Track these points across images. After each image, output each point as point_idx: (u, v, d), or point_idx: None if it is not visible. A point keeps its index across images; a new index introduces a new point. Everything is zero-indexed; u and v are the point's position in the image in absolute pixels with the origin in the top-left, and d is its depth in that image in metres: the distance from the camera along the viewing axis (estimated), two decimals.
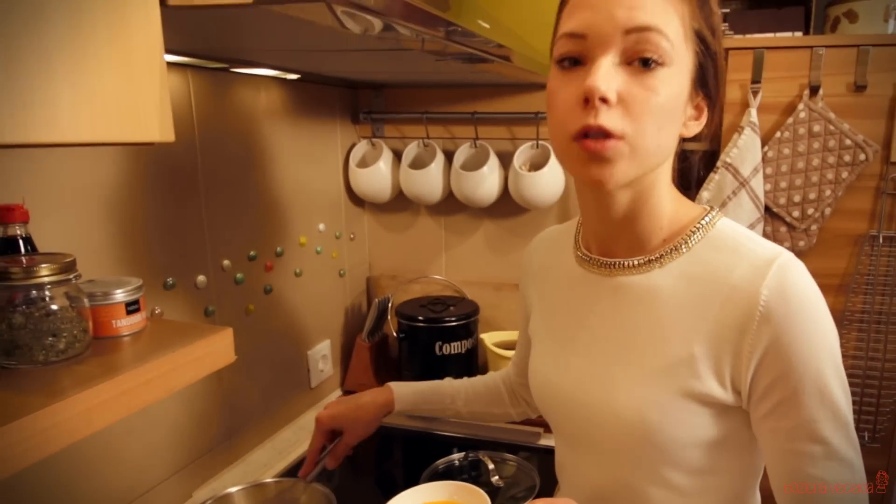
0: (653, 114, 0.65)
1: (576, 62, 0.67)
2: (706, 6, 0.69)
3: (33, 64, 0.46)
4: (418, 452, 1.52)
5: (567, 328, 0.83)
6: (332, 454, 1.09)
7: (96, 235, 1.02)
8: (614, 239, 0.77)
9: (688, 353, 0.71)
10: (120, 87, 0.53)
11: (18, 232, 0.82)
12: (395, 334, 1.69)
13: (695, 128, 0.73)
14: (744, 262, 0.70)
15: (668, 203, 0.75)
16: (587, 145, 0.65)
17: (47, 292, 0.71)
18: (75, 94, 0.49)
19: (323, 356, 1.68)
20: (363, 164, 1.71)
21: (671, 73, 0.65)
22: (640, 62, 0.64)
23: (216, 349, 0.83)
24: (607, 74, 0.63)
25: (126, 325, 0.82)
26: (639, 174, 0.69)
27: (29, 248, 0.83)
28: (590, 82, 0.63)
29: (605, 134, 0.64)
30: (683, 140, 0.74)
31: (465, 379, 1.18)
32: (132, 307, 0.82)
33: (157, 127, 0.57)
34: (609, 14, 0.64)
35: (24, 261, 0.73)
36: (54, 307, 0.72)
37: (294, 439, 1.53)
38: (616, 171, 0.66)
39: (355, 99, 1.75)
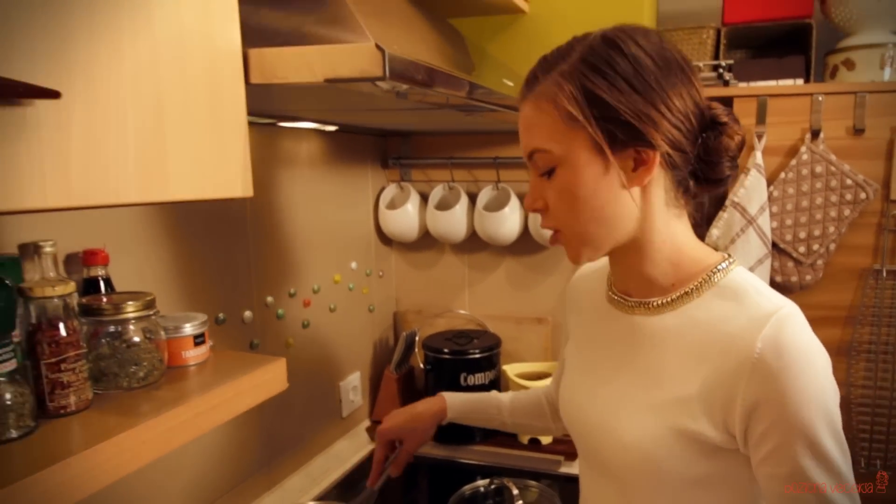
0: (561, 205, 0.78)
1: None
2: (594, 89, 0.73)
3: (151, 133, 0.57)
4: (443, 481, 1.59)
5: (593, 359, 0.90)
6: (395, 463, 1.15)
7: (160, 275, 1.13)
8: (628, 281, 0.85)
9: (685, 394, 0.76)
10: (213, 152, 0.64)
11: (100, 273, 0.94)
12: (421, 366, 1.78)
13: (644, 175, 0.75)
14: (745, 312, 0.74)
15: (667, 251, 0.80)
16: (550, 239, 0.83)
17: (131, 326, 0.82)
18: (181, 160, 0.60)
19: (353, 387, 1.77)
20: (392, 206, 1.82)
21: (563, 168, 0.76)
22: (544, 171, 0.78)
23: (271, 377, 0.93)
24: (534, 191, 0.80)
25: (193, 355, 0.92)
26: (605, 246, 0.80)
27: (109, 287, 0.95)
28: (525, 202, 0.82)
29: (554, 230, 0.81)
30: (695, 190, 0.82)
31: (511, 392, 1.24)
32: (199, 339, 0.92)
33: (240, 184, 0.68)
34: (522, 146, 0.80)
35: (111, 299, 0.83)
36: (136, 339, 0.82)
37: (327, 466, 1.61)
38: (574, 253, 0.81)
39: (385, 146, 1.88)
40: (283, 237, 1.45)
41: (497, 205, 1.75)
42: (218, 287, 1.26)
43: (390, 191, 1.85)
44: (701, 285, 0.79)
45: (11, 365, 0.67)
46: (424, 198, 1.83)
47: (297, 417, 1.55)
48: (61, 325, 0.72)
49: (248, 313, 1.34)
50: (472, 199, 1.78)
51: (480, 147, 1.80)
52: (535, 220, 1.69)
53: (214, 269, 1.25)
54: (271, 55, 0.67)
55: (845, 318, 1.64)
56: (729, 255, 0.82)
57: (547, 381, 1.64)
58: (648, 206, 0.78)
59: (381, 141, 1.86)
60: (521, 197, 1.75)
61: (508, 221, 1.71)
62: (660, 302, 0.82)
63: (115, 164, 0.53)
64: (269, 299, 1.40)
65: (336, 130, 1.60)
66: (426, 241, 1.89)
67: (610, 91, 0.73)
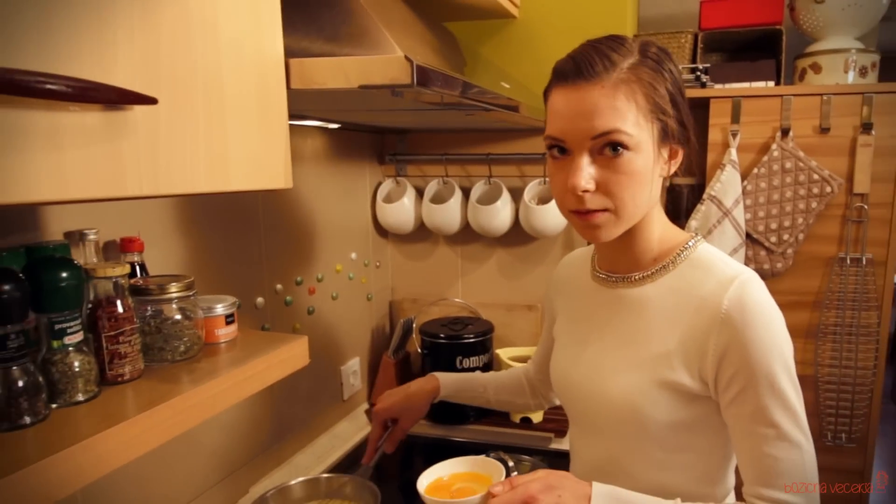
0: (628, 188, 0.84)
1: (562, 151, 0.87)
2: (656, 91, 0.84)
3: (217, 132, 0.66)
4: (439, 459, 1.68)
5: (581, 330, 1.02)
6: (389, 440, 1.26)
7: (183, 263, 1.21)
8: (615, 260, 0.98)
9: (665, 350, 0.89)
10: (262, 148, 0.73)
11: (136, 259, 1.02)
12: (419, 350, 1.88)
13: (673, 167, 0.91)
14: (713, 278, 0.87)
15: (657, 232, 0.93)
16: (582, 218, 0.87)
17: (174, 305, 0.91)
18: (238, 155, 0.70)
19: (354, 372, 1.86)
20: (389, 199, 1.92)
21: (634, 153, 0.83)
22: (610, 150, 0.82)
23: (296, 353, 1.03)
24: (584, 171, 0.83)
25: (224, 333, 1.01)
26: (626, 228, 0.89)
27: (143, 272, 1.03)
28: (572, 181, 0.83)
29: (592, 211, 0.85)
30: (672, 176, 0.94)
31: (493, 372, 1.35)
32: (230, 319, 1.01)
33: (282, 176, 0.77)
34: (577, 126, 0.83)
35: (156, 280, 0.92)
36: (178, 317, 0.91)
37: (330, 445, 1.70)
38: (603, 233, 0.88)
39: (382, 143, 1.97)
40: (291, 229, 1.54)
41: (489, 198, 1.85)
42: (234, 275, 1.35)
43: (387, 185, 1.95)
44: (675, 259, 0.93)
45: (79, 336, 0.75)
46: (420, 192, 1.93)
47: (303, 399, 1.64)
48: (118, 303, 0.81)
49: (260, 299, 1.42)
50: (466, 193, 1.88)
51: (473, 144, 1.90)
52: (526, 212, 1.80)
53: (231, 258, 1.34)
54: (310, 64, 0.76)
55: (813, 303, 1.77)
56: (696, 234, 0.96)
57: None
58: (656, 196, 0.91)
59: (378, 138, 1.96)
60: (511, 191, 1.85)
61: (500, 214, 1.82)
62: (641, 275, 0.94)
63: (191, 159, 0.62)
64: (279, 287, 1.49)
65: (338, 128, 1.69)
66: (421, 232, 1.98)
67: (676, 93, 0.86)
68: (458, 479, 0.96)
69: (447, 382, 1.29)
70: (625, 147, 0.82)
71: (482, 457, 1.00)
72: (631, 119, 0.83)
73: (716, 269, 0.89)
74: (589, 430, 1.01)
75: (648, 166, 0.85)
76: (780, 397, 0.84)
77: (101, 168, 0.53)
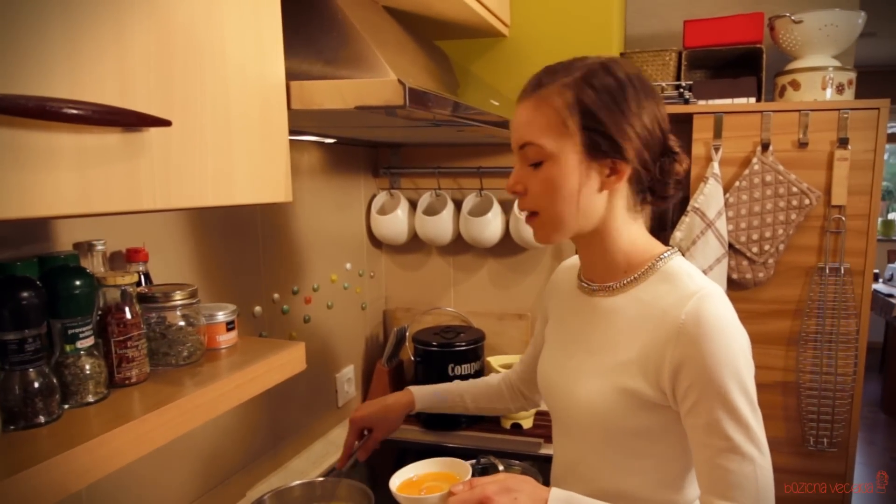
0: (545, 195, 0.91)
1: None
2: (581, 103, 0.88)
3: (223, 150, 0.72)
4: None
5: (563, 335, 1.07)
6: (363, 448, 1.30)
7: (185, 272, 1.26)
8: (591, 269, 1.02)
9: (626, 358, 0.93)
10: (264, 164, 0.79)
11: (141, 269, 1.07)
12: (412, 358, 1.92)
13: (615, 182, 0.91)
14: (675, 292, 0.90)
15: (623, 244, 0.96)
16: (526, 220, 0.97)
17: (178, 312, 0.96)
18: (243, 171, 0.75)
19: (348, 379, 1.91)
20: (382, 211, 1.97)
21: (551, 163, 0.90)
22: (533, 161, 0.92)
23: (293, 358, 1.07)
24: (516, 175, 0.94)
25: (225, 339, 1.06)
26: (572, 232, 0.95)
27: (148, 281, 1.08)
28: (507, 183, 0.95)
29: (528, 213, 0.96)
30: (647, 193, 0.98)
31: (470, 381, 1.40)
32: (230, 326, 1.06)
33: (283, 191, 0.82)
34: (512, 137, 0.95)
35: (161, 289, 0.97)
36: (182, 324, 0.96)
37: (324, 451, 1.74)
38: (543, 235, 0.96)
39: (376, 156, 2.03)
40: (288, 240, 1.59)
41: (480, 210, 1.91)
42: (233, 283, 1.40)
43: (381, 198, 2.00)
44: (646, 272, 0.96)
45: (91, 341, 0.80)
46: (413, 204, 1.98)
47: (298, 406, 1.68)
48: (127, 309, 0.86)
49: (257, 308, 1.47)
50: (458, 205, 1.94)
51: (465, 158, 1.96)
52: (517, 223, 1.85)
53: (230, 268, 1.39)
54: (309, 86, 0.81)
55: (794, 311, 1.83)
56: (672, 247, 0.99)
57: None
58: (612, 208, 0.94)
59: (372, 152, 2.01)
60: (503, 203, 1.91)
61: (491, 225, 1.87)
62: (615, 286, 0.99)
63: (200, 175, 0.67)
64: (276, 296, 1.54)
65: (334, 143, 1.74)
66: (414, 243, 2.04)
67: (601, 107, 0.88)
68: (428, 478, 1.02)
69: (421, 396, 1.34)
70: (541, 157, 0.91)
71: (452, 458, 1.05)
72: (541, 131, 0.90)
73: (680, 282, 0.92)
74: (564, 431, 1.06)
75: (567, 177, 0.90)
76: (733, 412, 0.85)
77: (120, 184, 0.58)
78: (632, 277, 0.97)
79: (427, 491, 0.98)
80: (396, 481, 1.00)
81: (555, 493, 0.88)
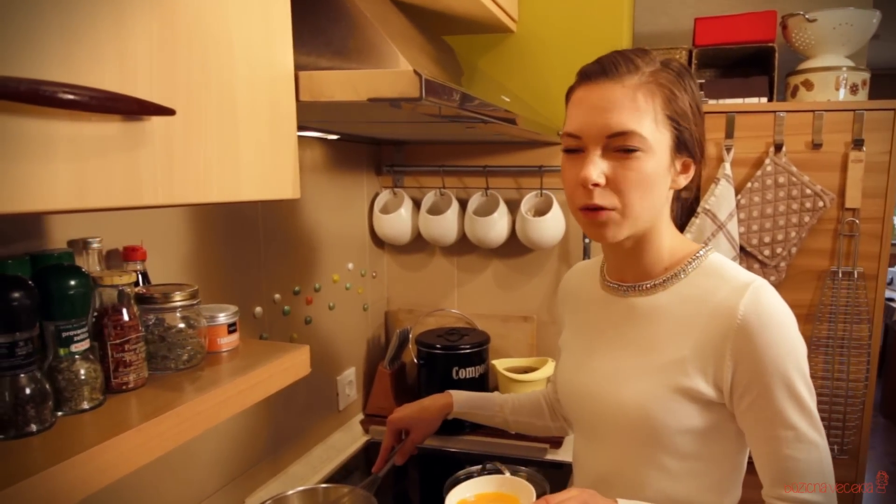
0: (637, 188, 0.86)
1: (576, 150, 0.90)
2: (675, 98, 0.88)
3: (229, 144, 0.67)
4: (435, 470, 1.69)
5: (590, 339, 1.03)
6: (400, 451, 1.26)
7: (184, 271, 1.22)
8: (625, 269, 0.99)
9: (680, 356, 0.90)
10: (272, 159, 0.74)
11: (139, 268, 1.02)
12: (415, 361, 1.88)
13: (683, 181, 0.93)
14: (727, 285, 0.89)
15: (667, 241, 0.95)
16: (588, 215, 0.90)
17: (178, 314, 0.91)
18: (249, 166, 0.70)
19: (349, 382, 1.86)
20: (385, 210, 1.93)
21: (647, 154, 0.86)
22: (623, 150, 0.86)
23: (297, 362, 1.03)
24: (596, 165, 0.86)
25: (226, 342, 1.01)
26: (633, 231, 0.90)
27: (146, 281, 1.03)
28: (583, 173, 0.86)
29: (600, 208, 0.87)
30: (678, 190, 0.95)
31: (512, 394, 1.35)
32: (231, 328, 1.02)
33: (290, 187, 0.78)
34: (595, 122, 0.86)
35: (160, 289, 0.92)
36: (182, 326, 0.92)
37: (325, 456, 1.70)
38: (609, 232, 0.90)
39: (379, 154, 1.98)
40: (290, 239, 1.55)
41: (486, 210, 1.87)
42: (233, 284, 1.35)
43: (384, 196, 1.96)
44: (686, 267, 0.94)
45: (86, 344, 0.76)
46: (417, 203, 1.94)
47: (299, 409, 1.64)
48: (124, 311, 0.81)
49: (258, 309, 1.43)
50: (463, 204, 1.90)
51: (470, 156, 1.92)
52: (523, 223, 1.81)
53: (230, 267, 1.34)
54: (319, 77, 0.77)
55: (806, 316, 1.79)
56: (706, 244, 0.97)
57: (533, 375, 1.76)
58: (665, 205, 0.93)
59: (376, 149, 1.97)
60: (508, 203, 1.87)
61: (497, 226, 1.83)
62: (652, 284, 0.96)
63: (204, 169, 0.63)
64: (277, 296, 1.49)
65: (337, 139, 1.70)
66: (417, 243, 1.99)
67: (691, 105, 0.90)
68: (484, 499, 0.96)
69: (460, 400, 1.29)
70: (638, 148, 0.85)
71: (512, 478, 1.00)
72: (647, 121, 0.86)
73: (728, 276, 0.91)
74: (595, 439, 1.01)
75: (659, 171, 0.88)
76: (797, 400, 0.86)
77: (119, 177, 0.54)
78: (671, 275, 0.95)
79: None
80: (451, 501, 0.95)
81: (622, 502, 0.87)
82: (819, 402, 1.78)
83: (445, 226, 1.87)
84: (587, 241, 1.86)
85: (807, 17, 1.73)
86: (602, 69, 0.88)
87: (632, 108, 0.85)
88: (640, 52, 0.90)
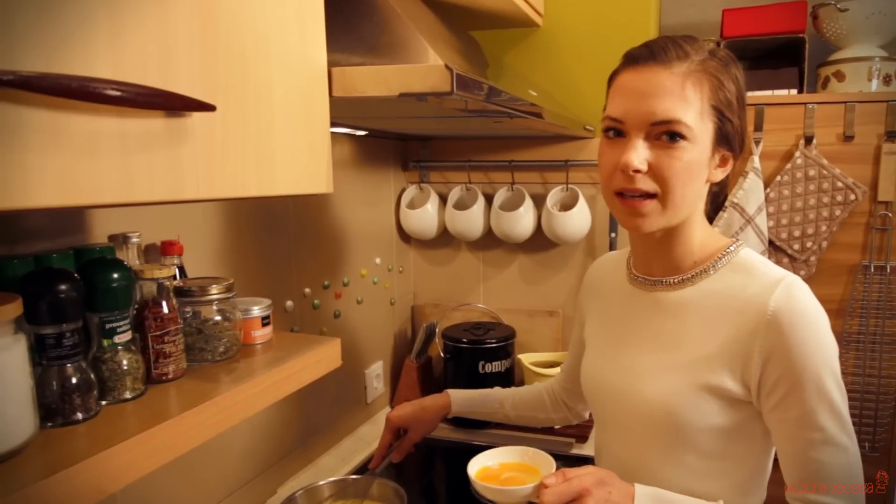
0: (679, 175, 0.84)
1: (618, 133, 0.88)
2: (721, 88, 0.86)
3: (266, 139, 0.69)
4: (459, 462, 1.69)
5: (616, 332, 1.03)
6: (398, 449, 1.28)
7: (218, 266, 1.24)
8: (653, 262, 0.98)
9: (707, 353, 0.89)
10: (306, 154, 0.76)
11: (176, 262, 1.05)
12: (441, 355, 1.89)
13: (721, 174, 0.92)
14: (756, 281, 0.88)
15: (698, 235, 0.94)
16: (625, 202, 0.88)
17: (215, 307, 0.93)
18: (285, 160, 0.72)
19: (377, 375, 1.88)
20: (412, 205, 1.94)
21: (691, 144, 0.84)
22: (667, 137, 0.84)
23: (329, 355, 1.05)
24: (638, 151, 0.84)
25: (260, 335, 1.03)
26: (669, 223, 0.89)
27: (183, 274, 1.06)
28: (625, 158, 0.85)
29: (640, 194, 0.86)
30: (713, 184, 0.94)
31: (512, 388, 1.36)
32: (265, 321, 1.04)
33: (324, 181, 0.79)
34: (640, 108, 0.85)
35: (197, 282, 0.95)
36: (218, 318, 0.94)
37: (354, 448, 1.72)
38: (646, 222, 0.88)
39: (406, 150, 2.00)
40: (319, 233, 1.57)
41: (512, 205, 1.87)
42: (265, 278, 1.38)
43: (410, 192, 1.97)
44: (716, 263, 0.92)
45: (128, 335, 0.78)
46: (443, 198, 1.95)
47: (329, 402, 1.66)
48: (164, 303, 0.83)
49: (289, 302, 1.45)
50: (489, 199, 1.90)
51: (496, 151, 1.92)
52: (549, 218, 1.81)
53: (262, 261, 1.37)
54: (351, 72, 0.78)
55: (836, 311, 1.77)
56: (737, 239, 0.96)
57: (558, 369, 1.76)
58: (701, 198, 0.92)
59: (402, 145, 1.98)
60: (534, 197, 1.87)
61: (523, 220, 1.83)
62: (679, 279, 0.95)
63: (242, 164, 0.65)
64: (307, 290, 1.52)
65: (364, 135, 1.72)
66: (443, 238, 2.00)
67: (737, 97, 0.88)
68: (507, 468, 0.98)
69: (458, 399, 1.30)
70: (684, 136, 0.84)
71: (531, 448, 1.01)
72: (693, 111, 0.84)
73: (758, 272, 0.89)
74: (618, 432, 1.01)
75: (701, 162, 0.86)
76: (827, 401, 0.83)
77: (162, 171, 0.55)
78: (700, 270, 0.93)
79: (508, 482, 0.95)
80: (475, 467, 0.97)
81: (640, 488, 0.87)
82: (849, 399, 1.75)
83: (471, 221, 1.87)
84: (613, 235, 1.85)
85: (838, 6, 1.71)
86: (651, 53, 0.86)
87: (680, 97, 0.83)
88: (689, 38, 0.88)
